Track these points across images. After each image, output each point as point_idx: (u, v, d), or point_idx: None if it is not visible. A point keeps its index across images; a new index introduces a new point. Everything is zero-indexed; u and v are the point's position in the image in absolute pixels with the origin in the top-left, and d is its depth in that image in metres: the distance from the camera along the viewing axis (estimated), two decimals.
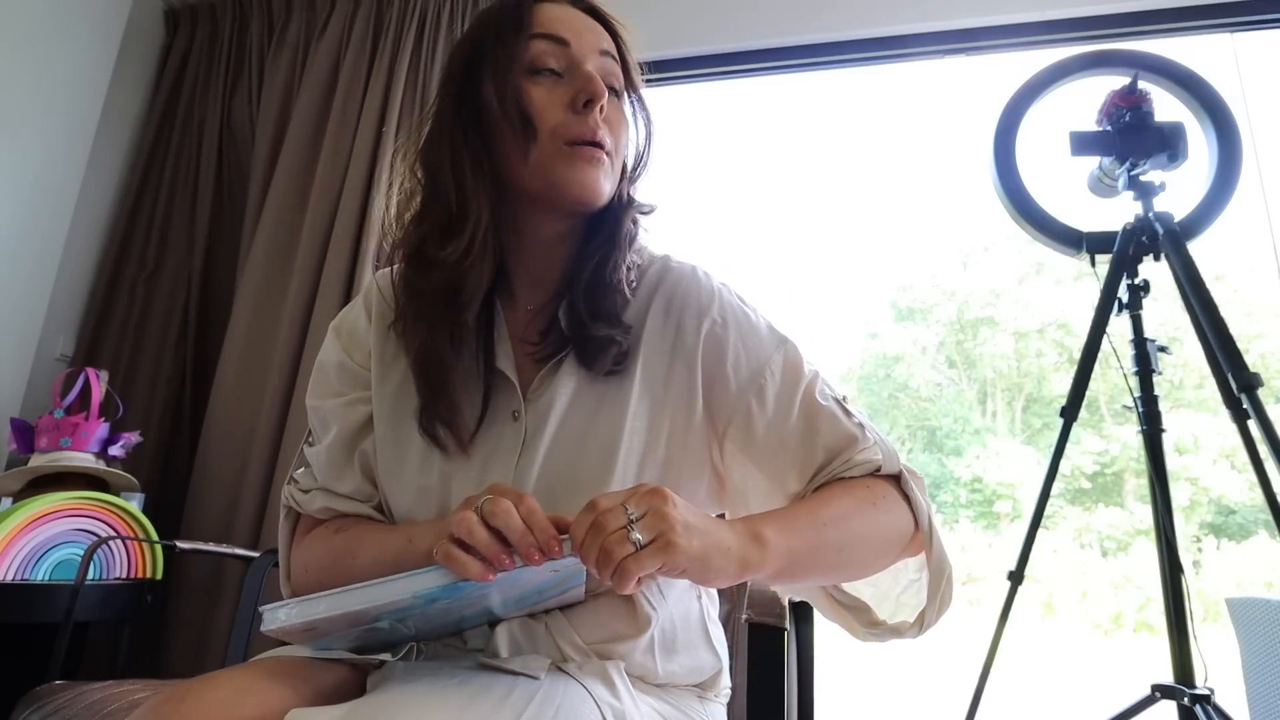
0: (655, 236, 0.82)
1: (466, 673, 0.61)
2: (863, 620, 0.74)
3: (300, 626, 0.56)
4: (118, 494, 1.60)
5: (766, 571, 0.61)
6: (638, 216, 0.77)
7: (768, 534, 0.61)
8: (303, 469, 0.80)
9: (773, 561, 0.60)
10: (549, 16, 0.73)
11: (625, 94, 0.76)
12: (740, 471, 0.75)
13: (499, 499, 0.56)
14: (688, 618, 0.74)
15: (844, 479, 0.72)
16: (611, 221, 0.75)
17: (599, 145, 0.70)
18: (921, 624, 0.71)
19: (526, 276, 0.78)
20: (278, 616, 0.55)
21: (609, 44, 0.75)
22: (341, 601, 0.55)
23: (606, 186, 0.72)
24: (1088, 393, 1.43)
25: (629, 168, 0.78)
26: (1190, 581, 1.33)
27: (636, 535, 0.52)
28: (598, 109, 0.69)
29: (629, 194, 0.77)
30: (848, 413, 0.74)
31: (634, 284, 0.77)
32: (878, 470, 0.71)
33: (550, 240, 0.76)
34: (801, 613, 0.88)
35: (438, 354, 0.72)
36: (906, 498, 0.71)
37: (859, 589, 0.75)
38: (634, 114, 0.78)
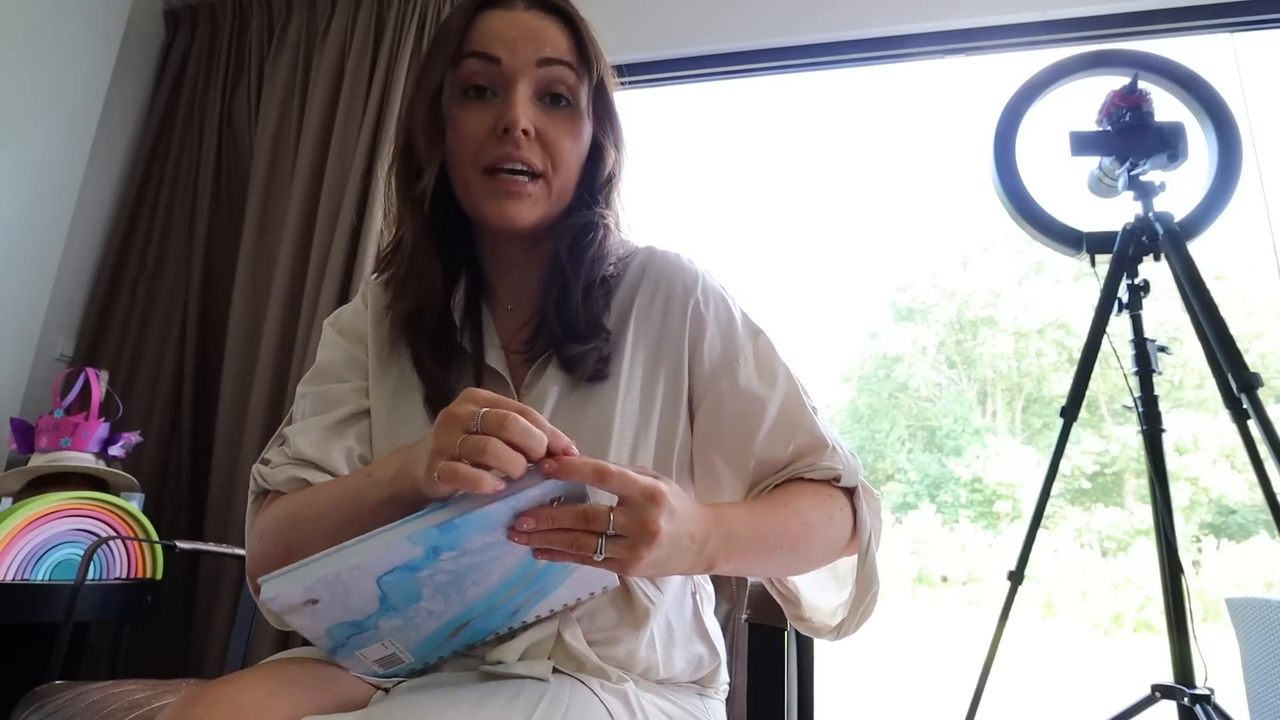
0: (654, 236, 0.82)
1: (473, 679, 0.62)
2: (790, 612, 0.78)
3: (300, 595, 0.52)
4: (118, 494, 1.60)
5: (722, 570, 0.62)
6: (607, 221, 0.76)
7: (737, 533, 0.62)
8: (275, 448, 0.77)
9: (732, 561, 0.62)
10: (486, 30, 0.71)
11: (583, 90, 0.72)
12: (704, 452, 0.74)
13: (504, 412, 0.51)
14: (682, 612, 0.75)
15: (804, 479, 0.72)
16: (572, 232, 0.73)
17: (521, 172, 0.69)
18: (839, 632, 0.73)
19: (506, 280, 0.79)
20: (273, 584, 0.51)
21: (558, 47, 0.71)
22: (336, 559, 0.51)
23: (532, 213, 0.70)
24: (1088, 393, 1.43)
25: (603, 172, 0.76)
26: (1190, 581, 1.33)
27: (602, 545, 0.51)
28: (519, 133, 0.68)
29: (590, 201, 0.75)
30: (816, 421, 0.74)
31: (614, 277, 0.76)
32: (836, 479, 0.72)
33: (518, 247, 0.77)
34: None
35: (425, 364, 0.74)
36: (854, 512, 0.72)
37: (795, 584, 0.77)
38: (601, 113, 0.75)
